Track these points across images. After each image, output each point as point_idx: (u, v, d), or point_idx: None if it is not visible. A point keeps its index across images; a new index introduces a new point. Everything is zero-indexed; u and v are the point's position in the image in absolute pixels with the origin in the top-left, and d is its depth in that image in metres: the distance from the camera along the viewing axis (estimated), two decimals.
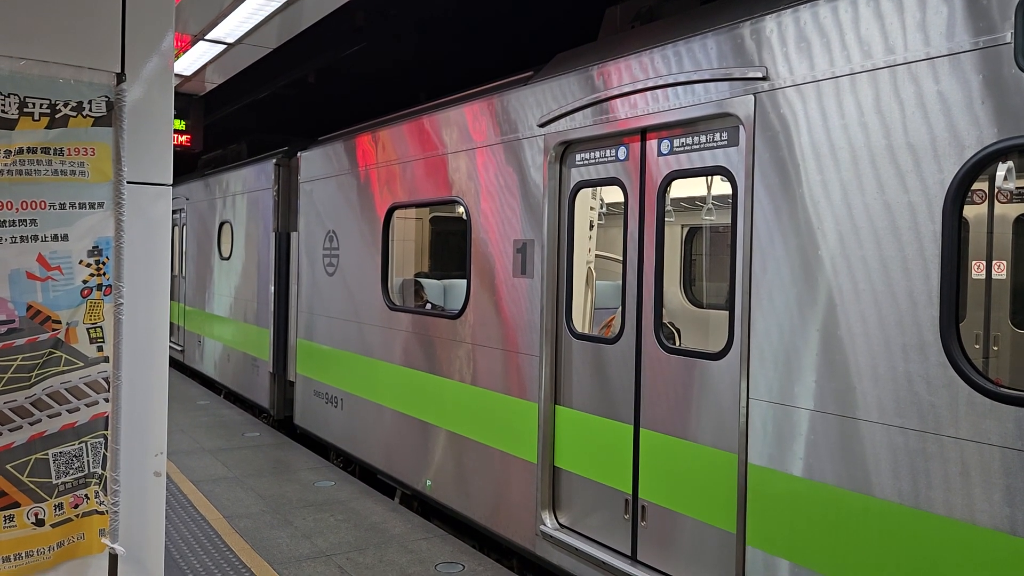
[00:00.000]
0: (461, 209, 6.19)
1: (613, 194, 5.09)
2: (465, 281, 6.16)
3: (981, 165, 3.10)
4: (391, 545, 5.94)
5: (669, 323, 7.96)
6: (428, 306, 8.12)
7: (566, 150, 5.24)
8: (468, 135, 6.18)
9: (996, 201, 6.06)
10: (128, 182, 3.15)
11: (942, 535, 3.16)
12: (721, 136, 4.24)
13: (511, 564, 5.90)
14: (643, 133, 4.68)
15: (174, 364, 14.67)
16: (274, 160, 10.06)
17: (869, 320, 3.43)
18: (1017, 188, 6.06)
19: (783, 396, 3.79)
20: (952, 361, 3.15)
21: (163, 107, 3.30)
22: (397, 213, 7.49)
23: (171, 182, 3.32)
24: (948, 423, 3.15)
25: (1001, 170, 5.27)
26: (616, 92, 4.77)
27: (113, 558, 3.20)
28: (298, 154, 9.39)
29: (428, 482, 6.59)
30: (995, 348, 6.36)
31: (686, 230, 9.30)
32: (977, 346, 6.20)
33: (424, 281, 8.50)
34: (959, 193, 3.15)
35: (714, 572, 4.20)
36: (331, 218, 8.43)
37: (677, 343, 7.63)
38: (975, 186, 6.16)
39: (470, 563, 5.61)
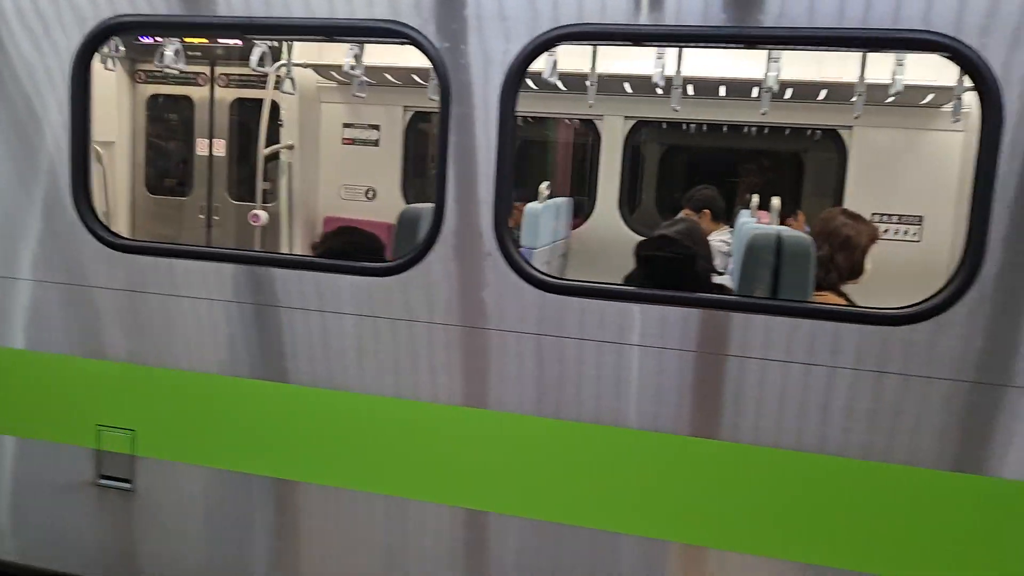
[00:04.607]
0: None
1: None
2: None
3: (97, 39, 3.24)
4: None
5: None
6: None
7: None
8: None
9: (216, 85, 5.77)
10: None
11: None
12: None
13: None
14: None
15: None
16: None
17: (10, 180, 3.43)
18: (241, 75, 5.63)
19: None
20: (82, 218, 3.36)
21: None
22: None
23: None
24: (83, 275, 3.35)
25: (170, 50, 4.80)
26: None
27: None
28: None
29: None
30: (217, 218, 6.16)
31: None
32: (202, 216, 6.16)
33: None
34: (84, 60, 3.26)
35: None
36: None
37: None
38: (201, 69, 6.20)
39: None
